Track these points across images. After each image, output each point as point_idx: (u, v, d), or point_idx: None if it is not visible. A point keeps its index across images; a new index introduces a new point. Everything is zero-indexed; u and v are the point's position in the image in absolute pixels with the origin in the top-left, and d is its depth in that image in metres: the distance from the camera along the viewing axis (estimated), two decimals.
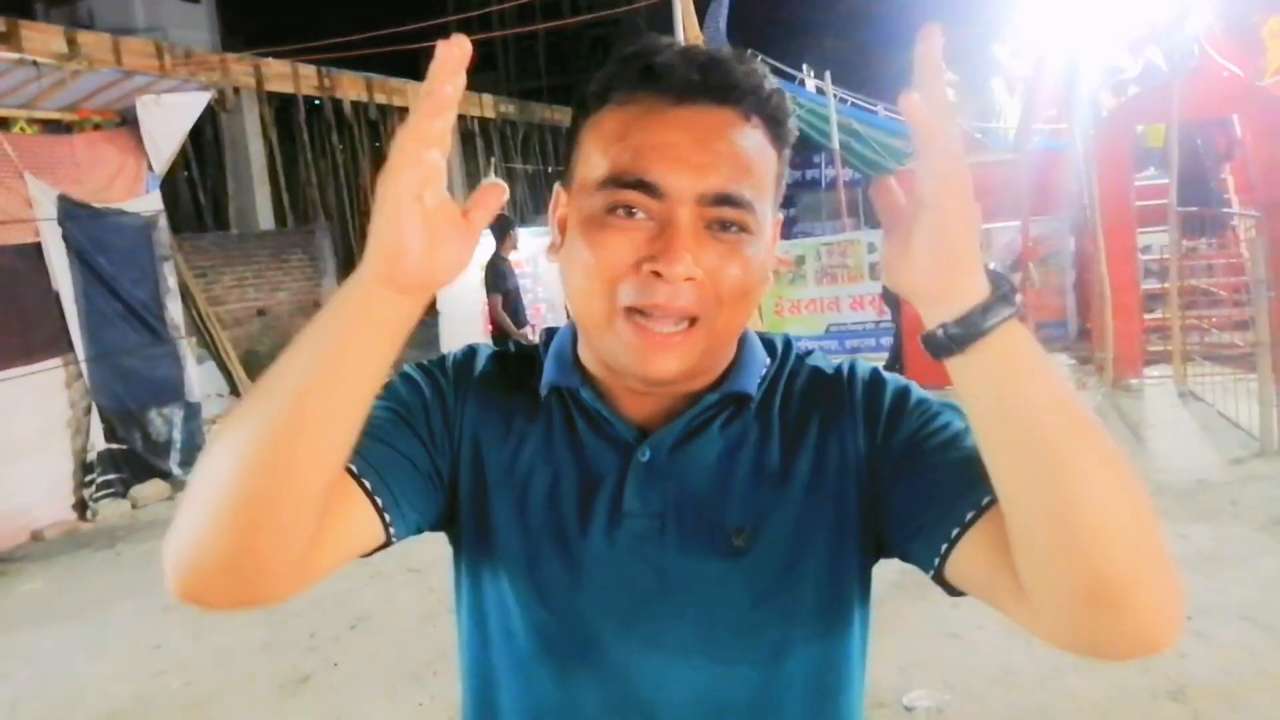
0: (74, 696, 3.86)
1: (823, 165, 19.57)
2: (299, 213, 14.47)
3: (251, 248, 11.47)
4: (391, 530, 0.79)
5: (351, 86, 14.81)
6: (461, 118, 18.05)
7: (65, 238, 6.17)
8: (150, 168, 6.64)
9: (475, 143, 17.83)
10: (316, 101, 14.96)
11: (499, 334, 6.53)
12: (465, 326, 10.41)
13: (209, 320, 8.26)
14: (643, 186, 0.74)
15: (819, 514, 0.81)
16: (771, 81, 0.79)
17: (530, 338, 6.87)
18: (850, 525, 0.82)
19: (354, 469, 0.76)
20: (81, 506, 6.29)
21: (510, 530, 0.83)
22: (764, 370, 0.87)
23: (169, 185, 7.12)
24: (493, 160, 17.46)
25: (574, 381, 0.84)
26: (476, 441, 0.85)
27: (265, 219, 14.14)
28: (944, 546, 0.74)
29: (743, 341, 0.87)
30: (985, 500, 0.71)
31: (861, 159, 12.76)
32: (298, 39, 12.63)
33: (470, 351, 0.91)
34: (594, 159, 0.78)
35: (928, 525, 0.76)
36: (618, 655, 0.80)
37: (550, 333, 0.91)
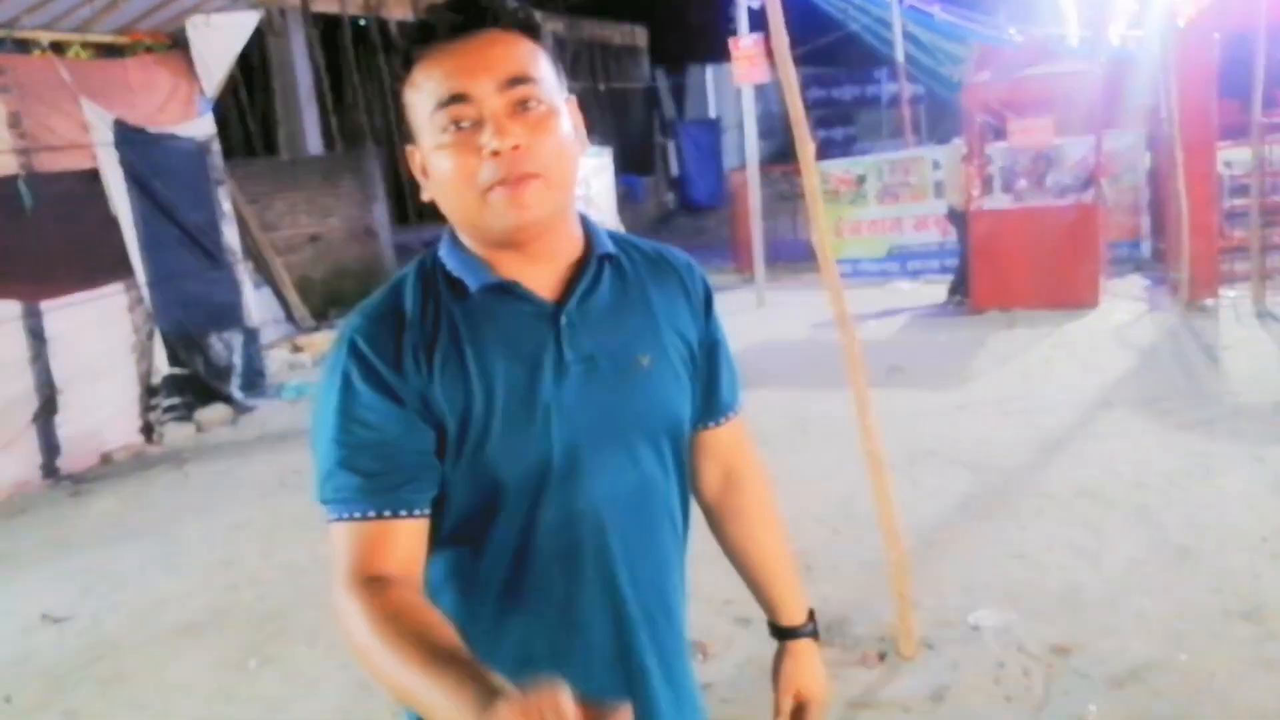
0: (154, 608, 4.00)
1: (882, 81, 18.96)
2: (347, 137, 14.41)
3: (302, 173, 11.42)
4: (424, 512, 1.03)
5: (398, 6, 14.56)
6: None
7: (122, 162, 6.22)
8: (202, 91, 6.63)
9: None
10: (362, 23, 14.77)
11: None
12: None
13: (263, 246, 8.32)
14: (458, 99, 0.99)
15: (681, 340, 1.15)
16: (514, 2, 1.04)
17: None
18: (690, 353, 1.18)
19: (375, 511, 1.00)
20: (148, 429, 6.47)
21: (491, 408, 1.03)
22: (611, 239, 1.14)
23: (218, 111, 7.10)
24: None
25: (494, 278, 1.06)
26: (445, 364, 1.03)
27: (314, 144, 14.09)
28: (711, 423, 1.24)
29: (586, 220, 1.13)
30: (738, 408, 1.27)
31: (921, 68, 12.31)
32: None
33: (362, 321, 1.06)
34: (421, 105, 1.02)
35: (713, 401, 1.23)
36: (578, 476, 1.06)
37: (427, 259, 1.11)
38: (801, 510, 4.29)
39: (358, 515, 0.99)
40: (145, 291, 6.37)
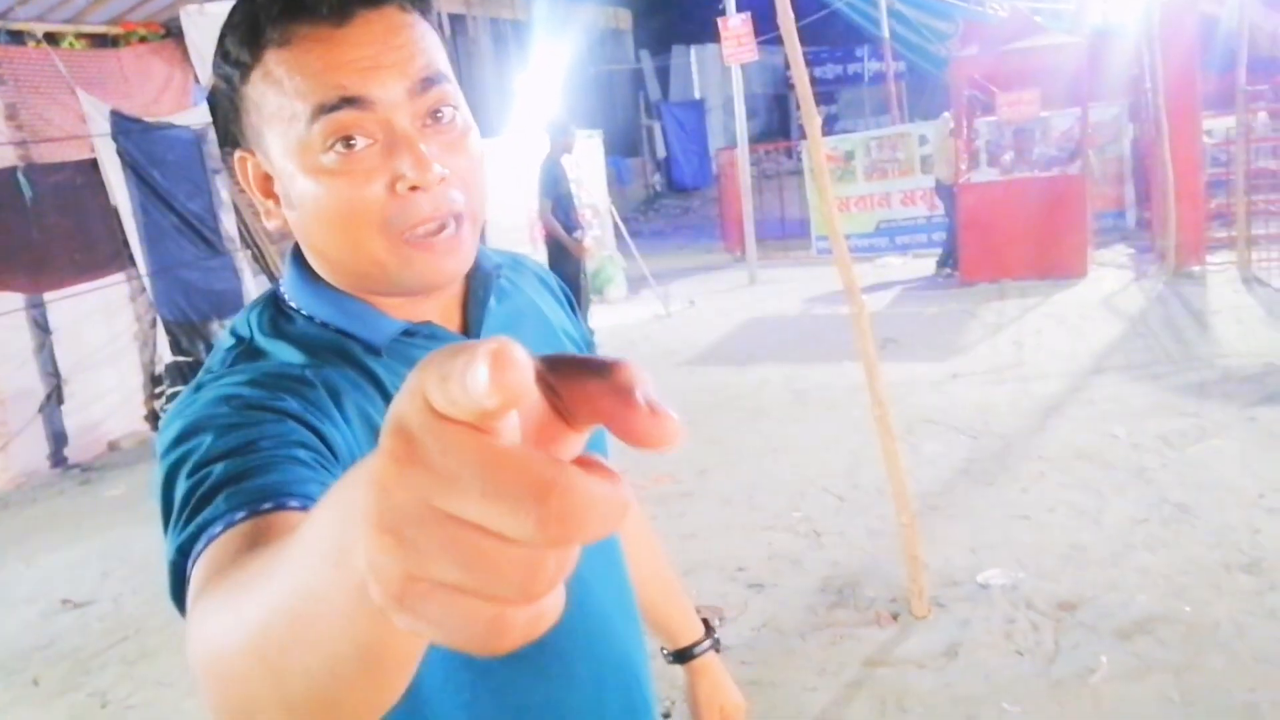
0: None
1: (865, 58, 19.02)
2: None
3: None
4: None
5: None
6: (494, 21, 17.67)
7: (119, 153, 6.21)
8: (197, 80, 6.63)
9: (508, 46, 17.45)
10: None
11: (551, 239, 6.50)
12: (510, 236, 10.36)
13: (257, 235, 8.32)
14: (352, 103, 0.71)
15: (575, 347, 0.99)
16: None
17: (585, 244, 6.81)
18: None
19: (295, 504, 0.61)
20: (153, 417, 6.50)
21: None
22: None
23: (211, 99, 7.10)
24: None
25: (399, 322, 0.81)
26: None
27: None
28: None
29: None
30: None
31: (908, 45, 12.39)
32: None
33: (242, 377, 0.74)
34: (280, 107, 0.73)
35: None
36: None
37: (266, 310, 0.82)
38: (806, 480, 4.38)
39: (219, 530, 0.59)
40: (146, 280, 6.39)
